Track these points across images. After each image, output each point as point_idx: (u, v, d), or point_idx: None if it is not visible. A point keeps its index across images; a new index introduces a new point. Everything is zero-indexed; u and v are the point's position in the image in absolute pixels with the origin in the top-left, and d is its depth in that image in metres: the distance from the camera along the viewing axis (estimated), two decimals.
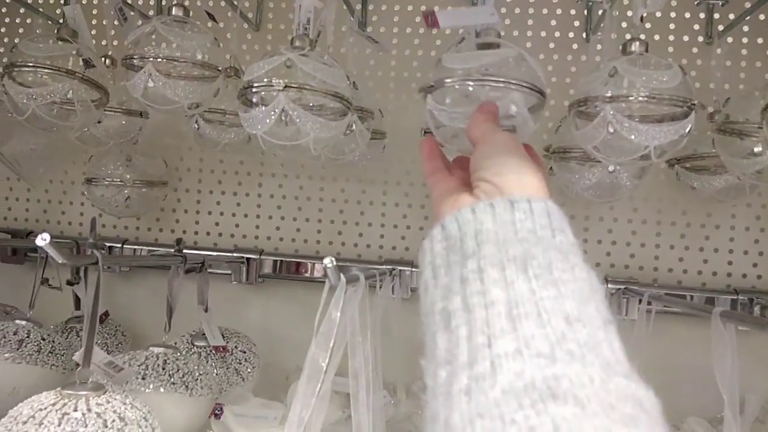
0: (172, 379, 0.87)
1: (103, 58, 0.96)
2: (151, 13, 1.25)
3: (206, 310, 1.04)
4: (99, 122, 1.05)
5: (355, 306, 0.65)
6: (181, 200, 1.31)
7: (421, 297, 0.41)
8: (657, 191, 1.16)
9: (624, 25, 1.08)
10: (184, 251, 1.03)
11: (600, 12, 1.12)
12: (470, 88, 0.62)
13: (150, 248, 1.28)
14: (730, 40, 1.13)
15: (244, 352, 1.07)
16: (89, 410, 0.65)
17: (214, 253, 1.23)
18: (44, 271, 1.09)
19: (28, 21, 1.34)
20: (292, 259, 1.23)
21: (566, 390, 0.30)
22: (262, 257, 1.23)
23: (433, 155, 0.55)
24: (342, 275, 0.62)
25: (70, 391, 0.66)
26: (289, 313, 1.24)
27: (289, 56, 0.74)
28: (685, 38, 1.15)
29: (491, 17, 0.64)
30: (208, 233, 1.30)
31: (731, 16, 1.11)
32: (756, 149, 0.80)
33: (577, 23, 1.19)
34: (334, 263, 0.61)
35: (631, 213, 1.17)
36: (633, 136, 0.70)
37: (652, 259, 1.17)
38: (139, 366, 0.86)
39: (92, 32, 1.01)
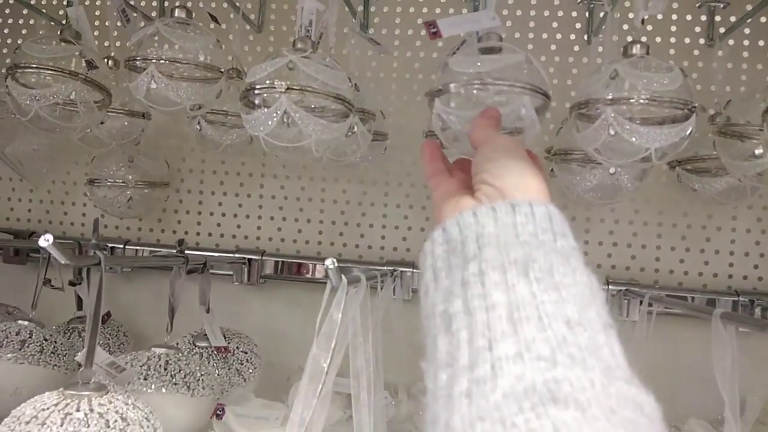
0: (174, 380, 0.87)
1: (105, 60, 0.97)
2: (153, 14, 1.25)
3: (208, 311, 1.05)
4: (101, 123, 1.05)
5: (357, 307, 0.66)
6: (183, 201, 1.31)
7: (422, 299, 0.41)
8: (658, 193, 1.16)
9: (625, 27, 1.08)
10: (186, 252, 1.04)
11: (601, 14, 1.12)
12: (480, 92, 0.62)
13: (152, 249, 1.28)
14: (731, 42, 1.13)
15: (246, 353, 1.08)
16: (92, 410, 0.65)
17: (216, 254, 1.24)
18: (46, 271, 1.09)
19: (31, 22, 1.34)
20: (294, 260, 1.24)
21: (567, 394, 0.30)
22: (264, 258, 1.23)
23: (434, 157, 0.55)
24: (343, 276, 0.62)
25: (72, 392, 0.66)
26: (290, 313, 1.24)
27: (291, 58, 0.74)
28: (687, 41, 1.15)
29: (493, 21, 0.64)
30: (209, 234, 1.30)
31: (732, 19, 1.11)
32: (757, 151, 0.81)
33: (578, 25, 1.19)
34: (336, 264, 0.61)
35: (632, 215, 1.18)
36: (634, 139, 0.71)
37: (653, 260, 1.17)
38: (141, 366, 0.86)
39: (95, 34, 1.01)
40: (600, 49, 1.09)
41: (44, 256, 1.09)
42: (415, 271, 1.16)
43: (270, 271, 1.24)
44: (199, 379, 0.90)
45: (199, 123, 1.06)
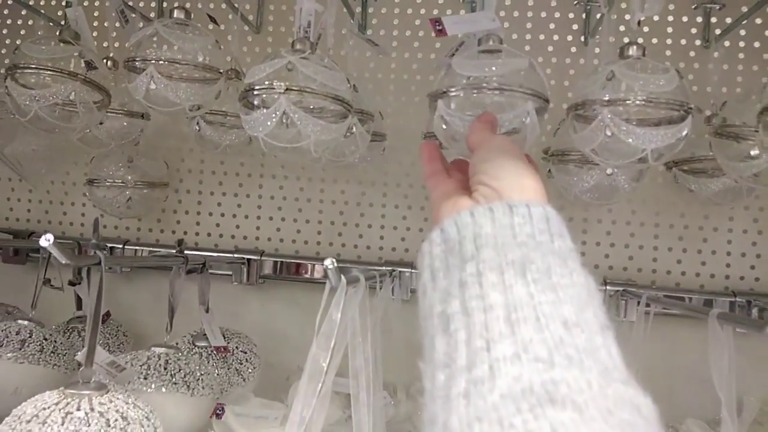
0: (174, 379, 0.87)
1: (105, 60, 0.97)
2: (152, 15, 1.25)
3: (207, 311, 1.05)
4: (101, 124, 1.05)
5: (356, 307, 0.66)
6: (182, 201, 1.31)
7: (420, 300, 0.41)
8: (655, 194, 1.16)
9: (622, 28, 1.08)
10: (185, 252, 1.04)
11: (598, 16, 1.12)
12: (485, 96, 0.63)
13: (151, 249, 1.28)
14: (727, 43, 1.13)
15: (245, 353, 1.08)
16: (92, 409, 0.65)
17: (215, 254, 1.24)
18: (46, 271, 1.09)
19: (30, 23, 1.35)
20: (293, 260, 1.24)
21: (564, 395, 0.30)
22: (263, 258, 1.24)
23: (432, 158, 0.55)
24: (342, 276, 0.63)
25: (73, 391, 0.67)
26: (289, 313, 1.25)
27: (290, 59, 0.74)
28: (683, 42, 1.16)
29: (492, 23, 0.65)
30: (208, 234, 1.30)
31: (728, 20, 1.11)
32: (752, 152, 0.81)
33: (575, 27, 1.19)
34: (335, 264, 0.61)
35: (629, 215, 1.18)
36: (630, 140, 0.71)
37: (651, 261, 1.18)
38: (141, 366, 0.87)
39: (94, 34, 1.01)
40: (597, 50, 1.10)
41: (44, 256, 1.09)
42: (413, 271, 1.16)
43: (269, 271, 1.24)
44: (198, 379, 0.90)
45: (198, 123, 1.06)
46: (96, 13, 1.30)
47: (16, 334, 0.95)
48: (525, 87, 0.63)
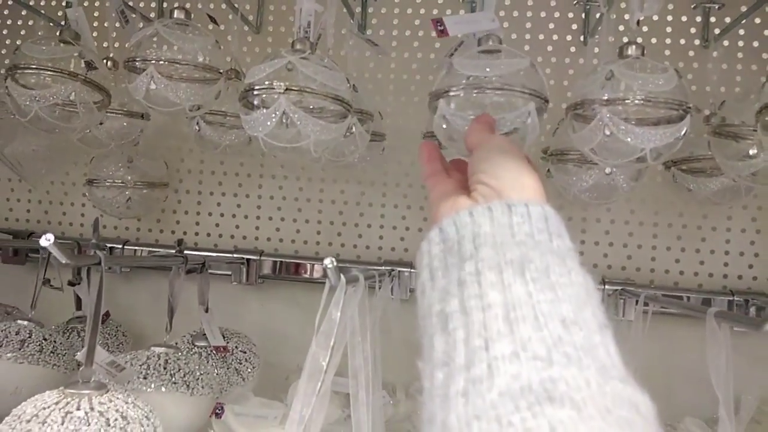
0: (174, 379, 0.87)
1: (105, 61, 0.97)
2: (152, 15, 1.26)
3: (207, 311, 1.05)
4: (101, 124, 1.05)
5: (355, 306, 0.66)
6: (182, 201, 1.31)
7: (419, 299, 0.41)
8: (654, 193, 1.17)
9: (621, 28, 1.08)
10: (185, 252, 1.04)
11: (597, 15, 1.12)
12: (486, 96, 0.64)
13: (150, 249, 1.29)
14: (726, 43, 1.14)
15: (245, 352, 1.08)
16: (92, 409, 0.65)
17: (215, 254, 1.24)
18: (46, 271, 1.09)
19: (30, 23, 1.35)
20: (292, 260, 1.24)
21: (563, 393, 0.30)
22: (262, 258, 1.24)
23: (432, 157, 0.55)
24: (342, 276, 0.63)
25: (72, 390, 0.67)
26: (288, 313, 1.25)
27: (290, 59, 0.75)
28: (682, 42, 1.16)
29: (492, 23, 0.65)
30: (208, 234, 1.31)
31: (727, 20, 1.11)
32: (751, 152, 0.81)
33: (574, 26, 1.19)
34: (335, 263, 0.61)
35: (628, 215, 1.18)
36: (629, 139, 0.71)
37: (649, 260, 1.18)
38: (140, 366, 0.87)
39: (94, 35, 1.01)
40: (596, 50, 1.10)
41: (44, 256, 1.09)
42: (412, 270, 1.16)
43: (268, 271, 1.24)
44: (198, 379, 0.90)
45: (197, 123, 1.06)
46: (96, 13, 1.31)
47: (16, 334, 0.95)
48: (526, 87, 0.63)
